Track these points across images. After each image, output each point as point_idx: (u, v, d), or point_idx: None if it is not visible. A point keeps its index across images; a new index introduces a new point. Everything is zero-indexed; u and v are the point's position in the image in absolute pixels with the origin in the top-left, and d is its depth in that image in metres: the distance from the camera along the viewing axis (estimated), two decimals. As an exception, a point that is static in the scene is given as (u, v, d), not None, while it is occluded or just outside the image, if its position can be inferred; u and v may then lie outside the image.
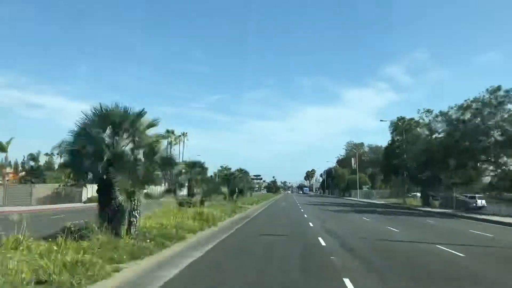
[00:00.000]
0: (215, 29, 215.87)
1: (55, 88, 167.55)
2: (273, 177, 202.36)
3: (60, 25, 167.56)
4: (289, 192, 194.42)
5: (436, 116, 45.43)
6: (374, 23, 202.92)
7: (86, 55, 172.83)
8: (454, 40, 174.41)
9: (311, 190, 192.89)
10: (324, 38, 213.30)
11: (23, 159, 67.80)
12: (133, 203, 11.25)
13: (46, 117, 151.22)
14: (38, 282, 6.21)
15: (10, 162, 56.22)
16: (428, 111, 47.61)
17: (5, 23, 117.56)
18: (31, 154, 65.34)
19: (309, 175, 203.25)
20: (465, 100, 39.99)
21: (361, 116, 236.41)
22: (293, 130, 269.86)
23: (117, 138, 11.55)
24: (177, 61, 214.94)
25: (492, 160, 38.90)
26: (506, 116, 37.01)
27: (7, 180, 47.99)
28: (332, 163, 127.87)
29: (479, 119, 38.47)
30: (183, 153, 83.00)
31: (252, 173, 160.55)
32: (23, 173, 53.28)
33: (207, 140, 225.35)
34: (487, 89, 37.98)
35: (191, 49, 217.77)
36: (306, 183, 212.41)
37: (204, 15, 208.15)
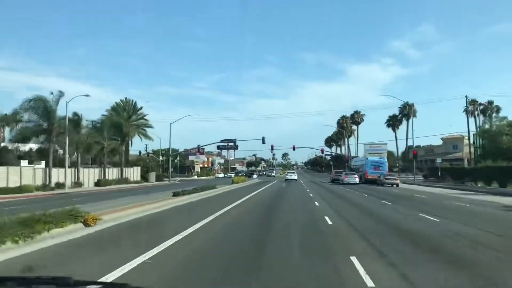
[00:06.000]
0: (216, 5, 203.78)
1: (56, 70, 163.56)
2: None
3: (59, 6, 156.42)
4: (292, 175, 65.87)
5: None
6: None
7: (85, 35, 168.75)
8: (461, 12, 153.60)
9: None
10: (327, 13, 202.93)
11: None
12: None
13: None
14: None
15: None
16: None
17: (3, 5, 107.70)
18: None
19: (345, 126, 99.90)
20: None
21: (366, 92, 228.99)
22: (297, 108, 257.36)
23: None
24: (177, 39, 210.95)
25: None
26: None
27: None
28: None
29: None
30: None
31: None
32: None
33: (209, 120, 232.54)
34: None
35: (191, 26, 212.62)
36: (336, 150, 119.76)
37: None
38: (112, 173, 54.18)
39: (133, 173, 60.19)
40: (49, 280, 2.05)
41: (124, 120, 57.83)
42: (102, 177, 50.24)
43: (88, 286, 2.07)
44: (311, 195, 26.57)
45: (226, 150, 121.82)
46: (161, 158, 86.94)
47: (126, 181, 55.00)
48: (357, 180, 44.51)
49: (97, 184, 48.29)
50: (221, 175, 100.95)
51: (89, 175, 47.76)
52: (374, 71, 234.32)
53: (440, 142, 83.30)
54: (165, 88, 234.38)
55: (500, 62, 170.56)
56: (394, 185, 40.14)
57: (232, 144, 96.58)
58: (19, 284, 2.04)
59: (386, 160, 49.46)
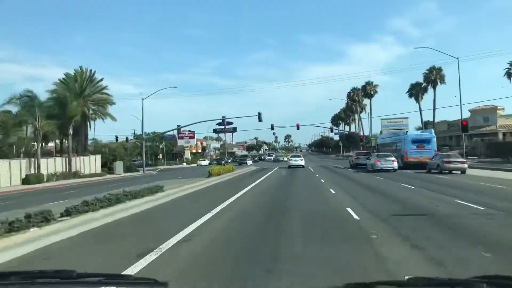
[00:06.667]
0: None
1: (54, 60, 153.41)
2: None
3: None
4: (298, 160, 44.95)
5: None
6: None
7: (81, 25, 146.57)
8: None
9: None
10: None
11: None
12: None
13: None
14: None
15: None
16: None
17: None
18: None
19: (357, 99, 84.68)
20: None
21: (368, 72, 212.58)
22: (299, 90, 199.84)
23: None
24: (175, 26, 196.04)
25: None
26: None
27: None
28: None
29: None
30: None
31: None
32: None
33: (210, 105, 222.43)
34: None
35: (189, 12, 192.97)
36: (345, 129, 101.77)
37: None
38: (55, 164, 40.11)
39: (90, 163, 46.14)
40: (52, 273, 1.98)
41: (73, 94, 43.45)
42: (35, 171, 36.20)
43: (90, 278, 1.98)
44: (351, 212, 11.64)
45: (224, 134, 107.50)
46: (143, 144, 72.72)
47: (76, 174, 41.04)
48: (395, 164, 29.99)
49: (25, 181, 34.32)
50: (205, 163, 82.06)
51: (11, 170, 33.65)
52: (375, 51, 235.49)
53: (464, 116, 67.64)
54: (165, 75, 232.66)
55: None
56: (459, 172, 25.81)
57: (226, 126, 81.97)
58: (22, 278, 1.93)
59: (433, 134, 34.49)
